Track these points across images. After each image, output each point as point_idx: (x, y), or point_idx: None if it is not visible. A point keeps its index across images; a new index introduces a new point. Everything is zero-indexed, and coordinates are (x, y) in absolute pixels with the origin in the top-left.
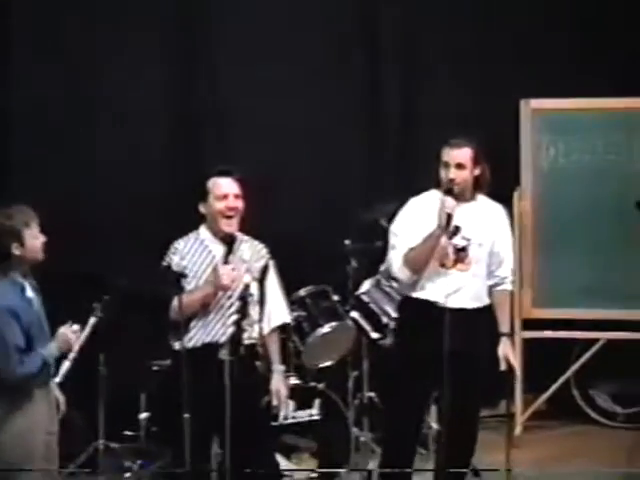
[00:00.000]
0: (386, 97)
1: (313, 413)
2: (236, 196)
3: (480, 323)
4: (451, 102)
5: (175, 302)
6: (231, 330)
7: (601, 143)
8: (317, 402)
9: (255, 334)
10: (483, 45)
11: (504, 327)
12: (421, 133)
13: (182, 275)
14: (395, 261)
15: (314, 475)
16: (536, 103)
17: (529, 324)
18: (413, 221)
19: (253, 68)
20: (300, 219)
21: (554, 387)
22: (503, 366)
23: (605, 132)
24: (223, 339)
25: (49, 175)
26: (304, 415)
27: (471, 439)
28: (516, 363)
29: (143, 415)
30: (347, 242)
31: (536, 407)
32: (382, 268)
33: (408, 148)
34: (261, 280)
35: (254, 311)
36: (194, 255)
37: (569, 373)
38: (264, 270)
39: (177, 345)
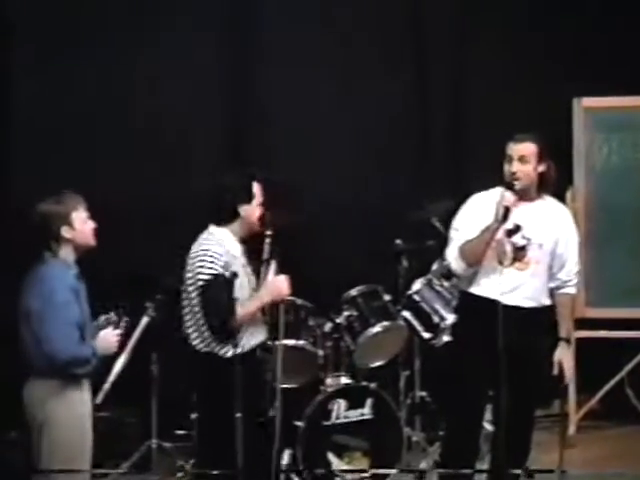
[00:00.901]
0: (435, 97)
1: (365, 412)
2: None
3: (535, 323)
4: (501, 101)
5: (238, 310)
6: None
7: None
8: (369, 402)
9: None
10: (534, 43)
11: (563, 331)
12: (471, 133)
13: (235, 275)
14: (451, 252)
15: (366, 475)
16: (588, 101)
17: (583, 323)
18: (473, 216)
19: (301, 74)
20: (351, 219)
21: (608, 387)
22: (556, 370)
23: None
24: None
25: (99, 174)
26: (356, 414)
27: (526, 439)
28: (569, 370)
29: (195, 415)
30: (398, 242)
31: (590, 407)
32: (434, 267)
33: (458, 148)
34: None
35: None
36: (228, 257)
37: (623, 373)
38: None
39: (229, 352)
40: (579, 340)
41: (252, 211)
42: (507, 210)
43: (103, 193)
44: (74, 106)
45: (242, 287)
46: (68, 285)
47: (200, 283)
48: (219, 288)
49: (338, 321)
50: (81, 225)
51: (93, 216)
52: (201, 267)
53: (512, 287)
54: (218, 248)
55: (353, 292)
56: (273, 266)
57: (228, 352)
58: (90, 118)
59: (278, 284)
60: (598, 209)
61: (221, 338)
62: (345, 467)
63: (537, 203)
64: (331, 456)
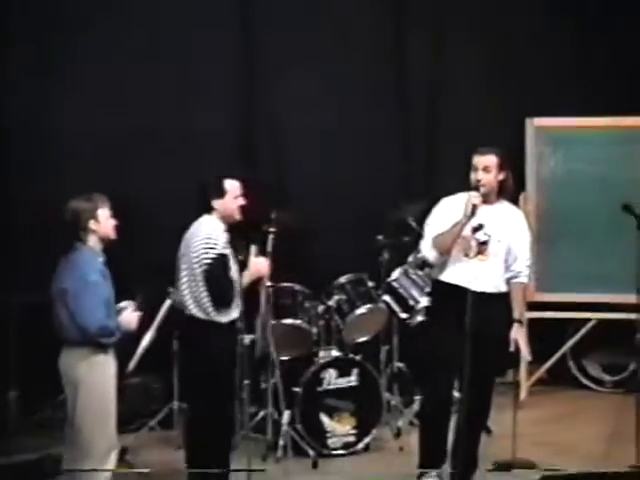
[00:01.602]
0: (414, 114)
1: (351, 380)
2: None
3: (496, 306)
4: (468, 119)
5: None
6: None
7: (593, 155)
8: (355, 371)
9: None
10: (497, 72)
11: (517, 314)
12: (443, 146)
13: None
14: (425, 244)
15: (353, 432)
16: (539, 121)
17: (533, 306)
18: (443, 215)
19: (293, 79)
20: (340, 218)
21: (553, 359)
22: (512, 347)
23: (596, 145)
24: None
25: (126, 172)
26: (344, 382)
27: (487, 403)
28: (524, 346)
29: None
30: (380, 237)
31: (538, 376)
32: (410, 259)
33: (433, 158)
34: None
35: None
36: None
37: (566, 347)
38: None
39: (224, 319)
40: (530, 320)
41: (225, 205)
42: (474, 208)
43: (130, 191)
44: (89, 109)
45: (232, 266)
46: (97, 269)
47: (206, 261)
48: (221, 267)
49: (329, 304)
50: (105, 220)
51: (123, 212)
52: (206, 249)
53: (475, 276)
54: (214, 233)
55: (342, 280)
56: (253, 250)
57: (223, 319)
58: (113, 120)
59: (259, 266)
60: (546, 212)
61: (220, 308)
62: (335, 426)
63: (496, 206)
64: (323, 416)
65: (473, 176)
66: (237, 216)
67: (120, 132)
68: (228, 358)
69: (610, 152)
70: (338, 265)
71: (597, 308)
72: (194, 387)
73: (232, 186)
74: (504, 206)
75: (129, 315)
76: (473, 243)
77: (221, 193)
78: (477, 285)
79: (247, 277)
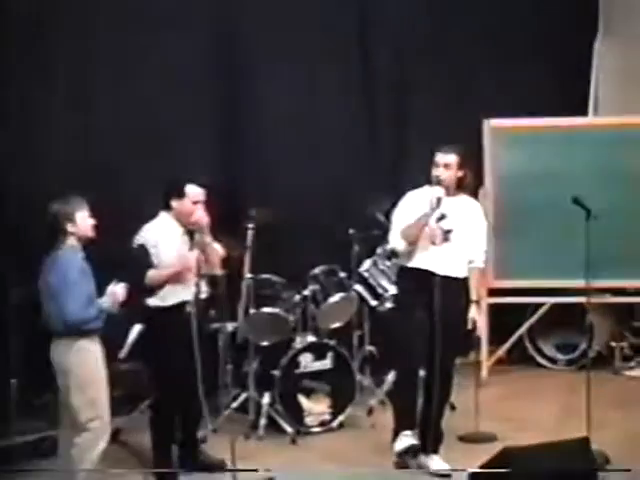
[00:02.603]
0: (383, 117)
1: (326, 363)
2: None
3: (458, 289)
4: (432, 120)
5: (152, 273)
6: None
7: (545, 153)
8: (329, 355)
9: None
10: (459, 74)
11: (474, 295)
12: (409, 146)
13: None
14: (394, 235)
15: (328, 411)
16: (495, 122)
17: (492, 292)
18: (409, 208)
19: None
20: (315, 214)
21: (511, 340)
22: (470, 326)
23: (549, 144)
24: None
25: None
26: (319, 365)
27: (450, 379)
28: (480, 325)
29: None
30: (352, 231)
31: (498, 356)
32: (378, 251)
33: (400, 157)
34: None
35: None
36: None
37: (522, 329)
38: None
39: (152, 303)
40: (490, 305)
41: (181, 205)
42: (439, 200)
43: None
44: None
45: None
46: (76, 266)
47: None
48: (139, 256)
49: (305, 293)
50: (82, 221)
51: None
52: (134, 240)
53: (441, 261)
54: (148, 226)
55: (316, 271)
56: (187, 242)
57: (151, 303)
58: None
59: (184, 259)
60: (503, 205)
61: (144, 293)
62: (311, 406)
63: (457, 199)
64: (300, 396)
65: (435, 172)
66: (193, 219)
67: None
68: (172, 338)
69: (560, 150)
70: (312, 257)
71: (550, 293)
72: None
73: (193, 191)
74: (463, 199)
75: (114, 288)
76: (438, 232)
77: (180, 195)
78: (443, 269)
79: (171, 268)
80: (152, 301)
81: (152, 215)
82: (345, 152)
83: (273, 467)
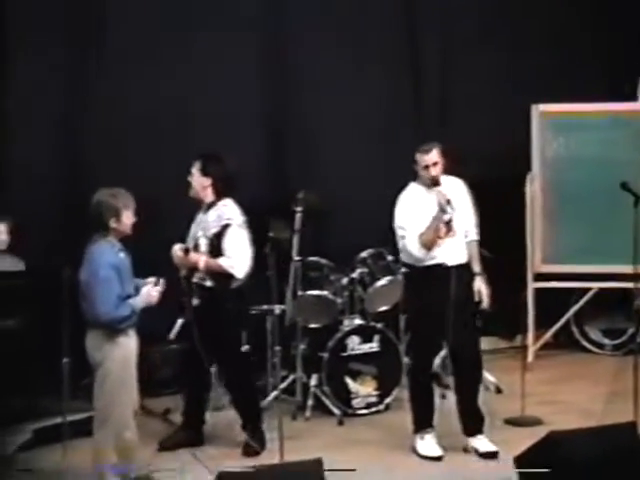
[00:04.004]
0: (429, 100)
1: (373, 346)
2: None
3: (468, 273)
4: (479, 106)
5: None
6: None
7: (593, 138)
8: (376, 337)
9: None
10: (505, 61)
11: (476, 268)
12: (456, 130)
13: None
14: (412, 246)
15: (375, 393)
16: (543, 107)
17: (539, 277)
18: (411, 214)
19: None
20: (363, 198)
21: (558, 325)
22: (477, 298)
23: (596, 129)
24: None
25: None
26: (367, 347)
27: (480, 359)
28: (486, 296)
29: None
30: None
31: (544, 341)
32: None
33: (445, 142)
34: (217, 237)
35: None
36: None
37: (569, 314)
38: (221, 230)
39: None
40: (536, 290)
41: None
42: (449, 201)
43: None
44: (136, 107)
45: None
46: (109, 262)
47: None
48: None
49: (353, 276)
50: (126, 220)
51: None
52: None
53: (451, 252)
54: None
55: (364, 254)
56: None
57: None
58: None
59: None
60: (551, 189)
61: None
62: (358, 388)
63: (444, 183)
64: (347, 379)
65: (425, 174)
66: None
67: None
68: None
69: (608, 135)
70: (360, 241)
71: (598, 278)
72: None
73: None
74: (447, 180)
75: (149, 290)
76: (441, 225)
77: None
78: (454, 259)
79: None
80: None
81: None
82: (392, 136)
83: (320, 448)
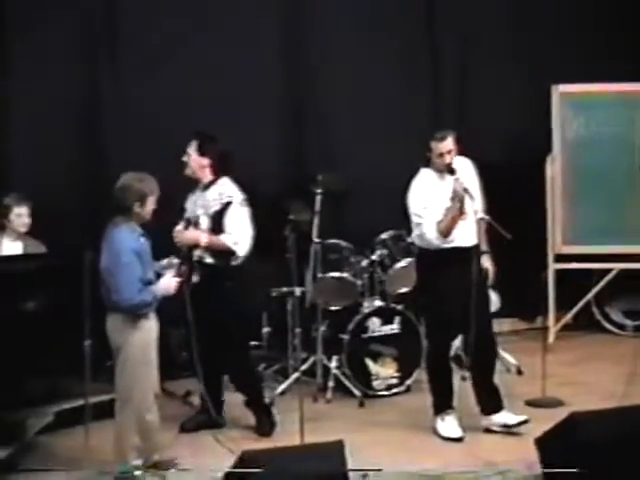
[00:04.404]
0: (446, 82)
1: (394, 327)
2: (188, 154)
3: (479, 253)
4: (498, 89)
5: None
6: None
7: (613, 118)
8: (397, 319)
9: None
10: (525, 43)
11: (484, 246)
12: (474, 112)
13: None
14: (430, 234)
15: (395, 375)
16: (563, 88)
17: (560, 258)
18: (425, 201)
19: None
20: (383, 178)
21: (578, 306)
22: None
23: (616, 109)
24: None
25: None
26: (387, 329)
27: (495, 340)
28: (492, 273)
29: (265, 329)
30: None
31: (565, 322)
32: None
33: (464, 123)
34: (219, 214)
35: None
36: (191, 194)
37: (590, 295)
38: (222, 209)
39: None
40: (557, 271)
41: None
42: (466, 190)
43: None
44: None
45: None
46: (131, 247)
47: None
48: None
49: (373, 258)
50: (149, 206)
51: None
52: None
53: (465, 234)
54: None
55: (384, 236)
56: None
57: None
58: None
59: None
60: (571, 170)
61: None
62: (379, 369)
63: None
64: (368, 360)
65: (440, 161)
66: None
67: (176, 95)
68: None
69: (629, 115)
70: (380, 222)
71: (618, 259)
72: None
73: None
74: (458, 162)
75: (168, 280)
76: (457, 212)
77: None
78: (469, 241)
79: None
80: None
81: None
82: (411, 118)
83: (341, 430)
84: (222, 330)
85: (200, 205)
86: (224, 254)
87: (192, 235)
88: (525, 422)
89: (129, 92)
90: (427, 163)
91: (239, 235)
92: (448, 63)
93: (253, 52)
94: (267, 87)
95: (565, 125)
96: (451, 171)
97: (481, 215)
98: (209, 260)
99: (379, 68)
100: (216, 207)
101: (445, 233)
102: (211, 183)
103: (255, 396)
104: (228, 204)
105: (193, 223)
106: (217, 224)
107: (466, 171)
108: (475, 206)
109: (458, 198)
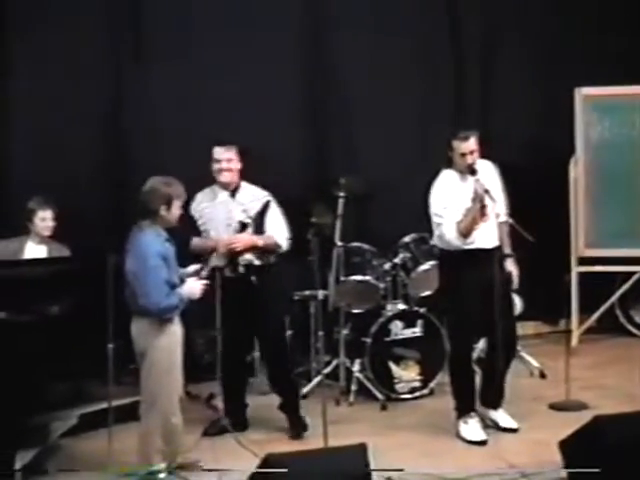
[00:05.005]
0: (469, 81)
1: (416, 331)
2: (227, 160)
3: (500, 255)
4: (521, 91)
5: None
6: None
7: (637, 120)
8: (419, 322)
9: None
10: (549, 46)
11: (507, 249)
12: (497, 114)
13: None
14: (450, 234)
15: (418, 378)
16: (586, 90)
17: (583, 261)
18: (446, 201)
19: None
20: (406, 181)
21: (602, 309)
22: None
23: (639, 112)
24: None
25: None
26: (410, 332)
27: (516, 340)
28: (516, 276)
29: (288, 332)
30: None
31: (588, 325)
32: None
33: (487, 125)
34: (261, 215)
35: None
36: (207, 201)
37: (614, 298)
38: (263, 209)
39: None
40: (580, 274)
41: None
42: (487, 191)
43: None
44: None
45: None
46: (158, 251)
47: None
48: (187, 223)
49: (395, 261)
50: (176, 210)
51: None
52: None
53: (487, 236)
54: (201, 196)
55: (406, 239)
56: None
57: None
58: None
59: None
60: (594, 172)
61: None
62: (402, 373)
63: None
64: (391, 364)
65: (462, 161)
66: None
67: (194, 100)
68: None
69: None
70: (403, 225)
71: None
72: None
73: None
74: (480, 164)
75: (193, 284)
76: (478, 214)
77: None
78: (490, 243)
79: (208, 242)
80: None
81: None
82: (433, 121)
83: (363, 434)
84: (282, 330)
85: (236, 209)
86: (266, 253)
87: (249, 238)
88: (515, 430)
89: (152, 93)
90: (449, 164)
91: (285, 230)
92: (470, 65)
93: (275, 54)
94: (288, 89)
95: (588, 128)
96: (472, 172)
97: (504, 218)
98: (257, 262)
99: (401, 70)
100: (256, 208)
101: (465, 234)
102: (237, 187)
103: (293, 398)
104: (268, 202)
105: (243, 226)
106: (259, 224)
107: (489, 174)
108: (497, 209)
109: (479, 199)
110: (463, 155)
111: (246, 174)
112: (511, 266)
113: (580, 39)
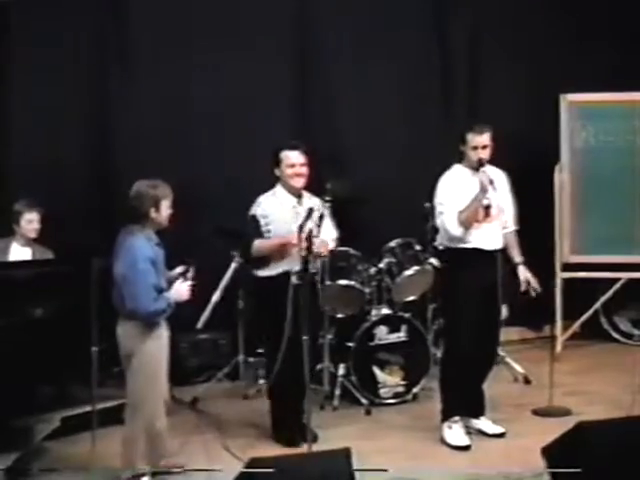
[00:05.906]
0: (456, 90)
1: (401, 336)
2: (302, 164)
3: (501, 260)
4: (506, 97)
5: (256, 244)
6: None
7: (621, 127)
8: (404, 327)
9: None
10: (534, 50)
11: (517, 258)
12: (484, 121)
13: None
14: (450, 223)
15: (402, 383)
16: (571, 97)
17: (567, 267)
18: (452, 191)
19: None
20: (390, 189)
21: (586, 315)
22: (524, 287)
23: (624, 119)
24: (295, 268)
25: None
26: (394, 337)
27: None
28: (534, 283)
29: None
30: (427, 204)
31: (572, 331)
32: None
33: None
34: (320, 219)
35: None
36: (275, 206)
37: (598, 304)
38: (321, 216)
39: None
40: (565, 280)
41: (280, 172)
42: (492, 182)
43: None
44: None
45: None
46: (147, 255)
47: None
48: (249, 225)
49: (380, 266)
50: (165, 210)
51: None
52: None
53: (488, 237)
54: (265, 198)
55: (392, 244)
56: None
57: (258, 273)
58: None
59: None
60: (579, 179)
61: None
62: (386, 377)
63: (488, 171)
64: (375, 368)
65: (473, 155)
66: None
67: (184, 113)
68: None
69: (637, 124)
70: (388, 230)
71: (626, 268)
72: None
73: (287, 156)
74: (490, 170)
75: (180, 287)
76: (480, 209)
77: (277, 163)
78: (491, 245)
79: (274, 241)
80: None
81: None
82: (420, 128)
83: (347, 438)
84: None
85: (312, 216)
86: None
87: (328, 243)
88: (502, 435)
89: (138, 94)
90: (460, 159)
91: (335, 237)
92: (458, 70)
93: (260, 56)
94: (274, 91)
95: (573, 134)
96: (481, 165)
97: (513, 227)
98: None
99: (390, 74)
100: (319, 212)
101: (466, 224)
102: (301, 193)
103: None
104: (324, 213)
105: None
106: (319, 228)
107: (500, 182)
108: (506, 217)
109: (482, 190)
110: (475, 148)
111: None
112: (527, 273)
113: (565, 46)
